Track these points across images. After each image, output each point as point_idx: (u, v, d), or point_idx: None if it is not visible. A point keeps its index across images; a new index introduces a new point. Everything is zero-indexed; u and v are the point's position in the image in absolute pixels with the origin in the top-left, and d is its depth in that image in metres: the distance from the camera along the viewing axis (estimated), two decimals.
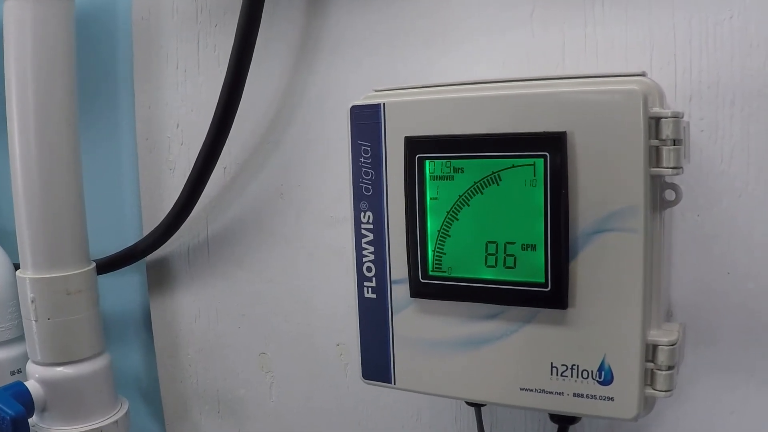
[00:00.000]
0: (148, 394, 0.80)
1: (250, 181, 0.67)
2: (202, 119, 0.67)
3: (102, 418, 0.62)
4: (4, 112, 0.58)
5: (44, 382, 0.60)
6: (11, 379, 0.65)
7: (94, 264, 0.63)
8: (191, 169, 0.65)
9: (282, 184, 0.66)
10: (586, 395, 0.42)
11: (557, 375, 0.43)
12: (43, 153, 0.58)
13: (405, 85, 0.47)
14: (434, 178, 0.44)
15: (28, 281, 0.59)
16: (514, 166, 0.42)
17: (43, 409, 0.60)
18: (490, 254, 0.43)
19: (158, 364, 0.76)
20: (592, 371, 0.42)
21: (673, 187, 0.42)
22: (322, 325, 0.66)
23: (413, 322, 0.47)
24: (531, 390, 0.44)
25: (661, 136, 0.39)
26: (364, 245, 0.47)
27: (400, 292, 0.47)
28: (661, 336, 0.41)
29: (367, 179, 0.47)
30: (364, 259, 0.48)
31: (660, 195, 0.42)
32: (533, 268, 0.42)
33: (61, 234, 0.60)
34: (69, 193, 0.60)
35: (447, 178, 0.44)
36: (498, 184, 0.42)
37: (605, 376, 0.41)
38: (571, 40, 0.52)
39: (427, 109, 0.44)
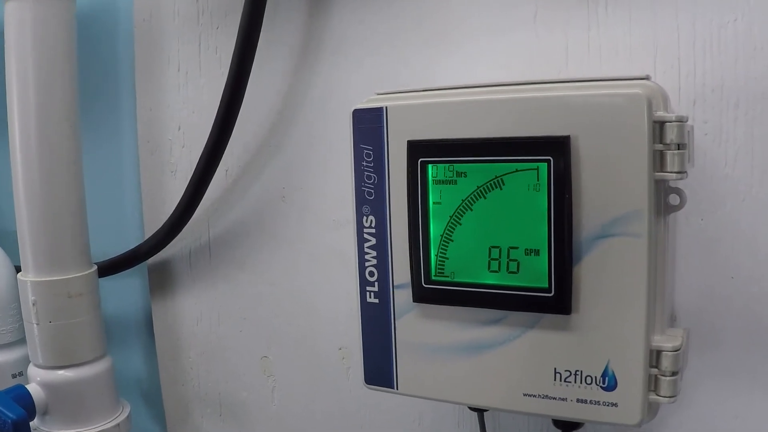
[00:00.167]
0: (150, 398, 0.80)
1: (252, 183, 0.67)
2: (203, 121, 0.66)
3: (103, 422, 0.62)
4: (5, 114, 0.58)
5: (46, 385, 0.60)
6: (12, 382, 0.65)
7: (95, 267, 0.63)
8: (193, 171, 0.64)
9: (284, 186, 0.65)
10: (590, 401, 0.42)
11: (560, 380, 0.42)
12: (44, 155, 0.58)
13: (407, 89, 0.47)
14: (437, 182, 0.44)
15: (29, 284, 0.59)
16: (517, 171, 0.42)
17: (45, 413, 0.60)
18: (493, 259, 0.43)
19: (160, 367, 0.76)
20: (595, 377, 0.42)
21: (678, 191, 0.42)
22: (324, 328, 0.66)
23: (416, 327, 0.46)
24: (534, 395, 0.43)
25: (665, 140, 0.39)
26: (366, 249, 0.47)
27: (402, 296, 0.46)
28: (665, 341, 0.41)
29: (369, 183, 0.46)
30: (367, 264, 0.47)
31: (664, 199, 0.42)
32: (536, 273, 0.42)
33: (62, 237, 0.60)
34: (70, 195, 0.60)
35: (450, 182, 0.44)
36: (501, 189, 0.42)
37: (609, 382, 0.41)
38: (574, 43, 0.52)
39: (430, 112, 0.44)
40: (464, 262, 0.44)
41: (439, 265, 0.45)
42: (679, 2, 0.48)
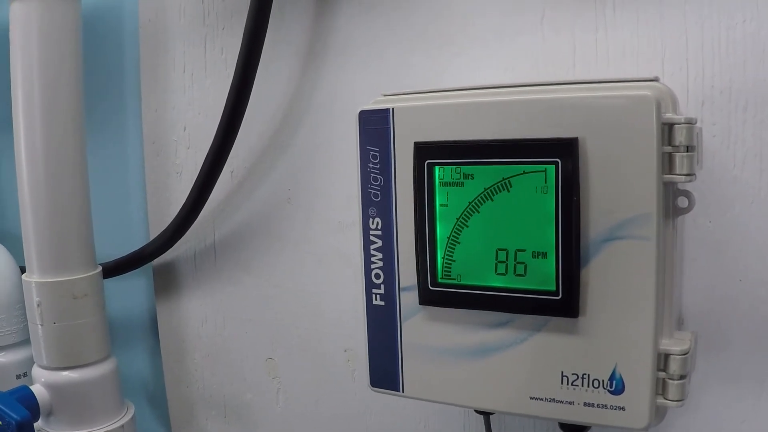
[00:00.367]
0: (155, 399, 0.80)
1: (257, 185, 0.67)
2: (209, 122, 0.66)
3: (108, 423, 0.62)
4: (11, 115, 0.58)
5: (50, 387, 0.60)
6: (17, 383, 0.65)
7: (100, 268, 0.63)
8: (198, 172, 0.64)
9: (290, 188, 0.65)
10: (597, 404, 0.42)
11: (568, 384, 0.42)
12: (50, 156, 0.58)
13: (414, 90, 0.46)
14: (444, 184, 0.44)
15: (33, 285, 0.59)
16: (525, 173, 0.41)
17: (49, 414, 0.60)
18: (500, 261, 0.43)
19: (164, 368, 0.76)
20: (603, 380, 0.41)
21: (686, 194, 0.42)
22: (329, 330, 0.66)
23: (422, 330, 0.46)
24: (541, 399, 0.43)
25: (674, 142, 0.39)
26: (372, 252, 0.47)
27: (408, 299, 0.46)
28: (673, 345, 0.41)
29: (375, 185, 0.46)
30: (373, 266, 0.47)
31: (672, 202, 0.41)
32: (544, 275, 0.42)
33: (67, 237, 0.60)
34: (75, 196, 0.60)
35: (457, 184, 0.43)
36: (508, 191, 0.42)
37: (616, 386, 0.41)
38: (582, 45, 0.51)
39: (437, 114, 0.44)
40: (471, 265, 0.44)
41: (446, 267, 0.45)
42: (687, 4, 0.48)
